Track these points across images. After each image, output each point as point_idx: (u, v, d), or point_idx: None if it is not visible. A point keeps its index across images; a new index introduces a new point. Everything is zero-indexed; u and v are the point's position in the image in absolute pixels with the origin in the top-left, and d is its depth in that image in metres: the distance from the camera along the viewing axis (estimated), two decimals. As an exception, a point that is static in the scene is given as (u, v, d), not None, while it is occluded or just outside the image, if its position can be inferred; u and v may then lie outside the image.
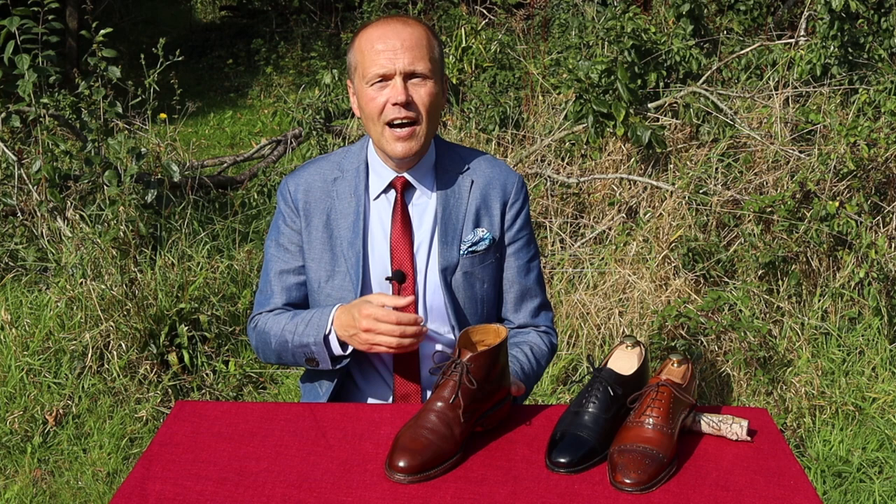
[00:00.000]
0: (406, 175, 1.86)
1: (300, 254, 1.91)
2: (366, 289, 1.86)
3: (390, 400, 1.92)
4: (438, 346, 1.89)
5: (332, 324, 1.80)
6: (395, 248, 1.85)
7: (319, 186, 1.89)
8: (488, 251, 1.89)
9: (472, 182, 1.90)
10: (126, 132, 4.57)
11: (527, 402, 2.31)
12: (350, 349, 1.81)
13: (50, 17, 4.05)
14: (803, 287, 3.69)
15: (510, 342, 1.89)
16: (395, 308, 1.70)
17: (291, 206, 1.90)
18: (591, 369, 1.64)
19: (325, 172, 1.91)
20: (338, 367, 1.84)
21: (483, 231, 1.89)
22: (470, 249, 1.87)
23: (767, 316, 3.59)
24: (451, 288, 1.86)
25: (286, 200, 1.91)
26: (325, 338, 1.80)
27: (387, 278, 1.83)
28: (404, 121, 1.77)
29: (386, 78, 1.76)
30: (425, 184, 1.88)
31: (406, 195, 1.87)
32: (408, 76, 1.76)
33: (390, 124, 1.78)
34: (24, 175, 4.16)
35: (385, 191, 1.88)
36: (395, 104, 1.75)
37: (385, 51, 1.74)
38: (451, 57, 5.78)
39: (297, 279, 1.92)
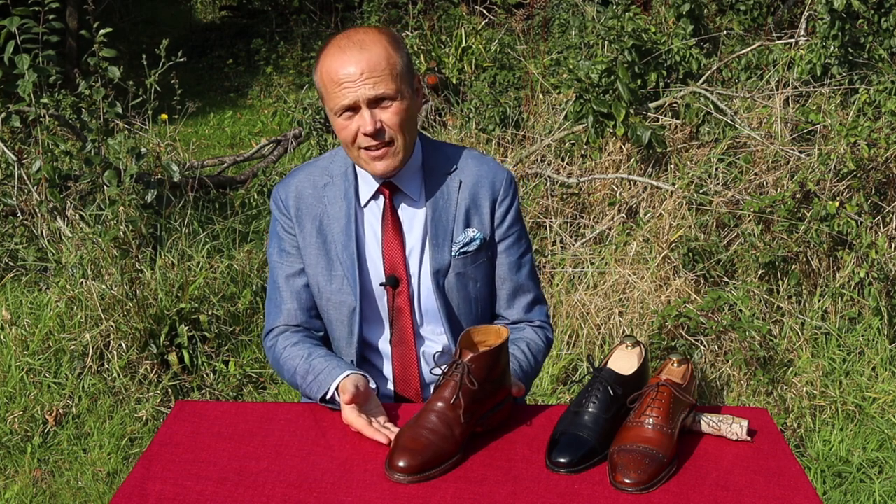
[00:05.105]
0: (393, 180, 1.86)
1: (301, 257, 1.92)
2: (364, 291, 1.86)
3: (392, 399, 1.93)
4: (436, 348, 1.91)
5: (335, 389, 1.73)
6: (388, 253, 1.86)
7: (310, 192, 1.90)
8: (480, 251, 1.90)
9: (461, 182, 1.89)
10: (126, 132, 4.56)
11: (527, 402, 2.31)
12: None
13: (50, 17, 4.05)
14: (803, 287, 3.68)
15: None
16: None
17: (284, 212, 1.91)
18: (591, 369, 1.64)
19: (315, 178, 1.91)
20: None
21: (473, 231, 1.89)
22: (461, 250, 1.88)
23: (767, 316, 3.58)
24: (444, 290, 1.87)
25: (279, 208, 1.92)
26: (323, 398, 1.75)
27: (381, 284, 1.85)
28: (378, 146, 1.77)
29: (352, 108, 1.75)
30: (413, 187, 1.88)
31: (395, 200, 1.87)
32: (373, 103, 1.74)
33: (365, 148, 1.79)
34: (24, 175, 4.16)
35: (374, 197, 1.88)
36: (365, 134, 1.75)
37: (346, 82, 1.72)
38: (451, 57, 5.79)
39: (303, 281, 1.92)
